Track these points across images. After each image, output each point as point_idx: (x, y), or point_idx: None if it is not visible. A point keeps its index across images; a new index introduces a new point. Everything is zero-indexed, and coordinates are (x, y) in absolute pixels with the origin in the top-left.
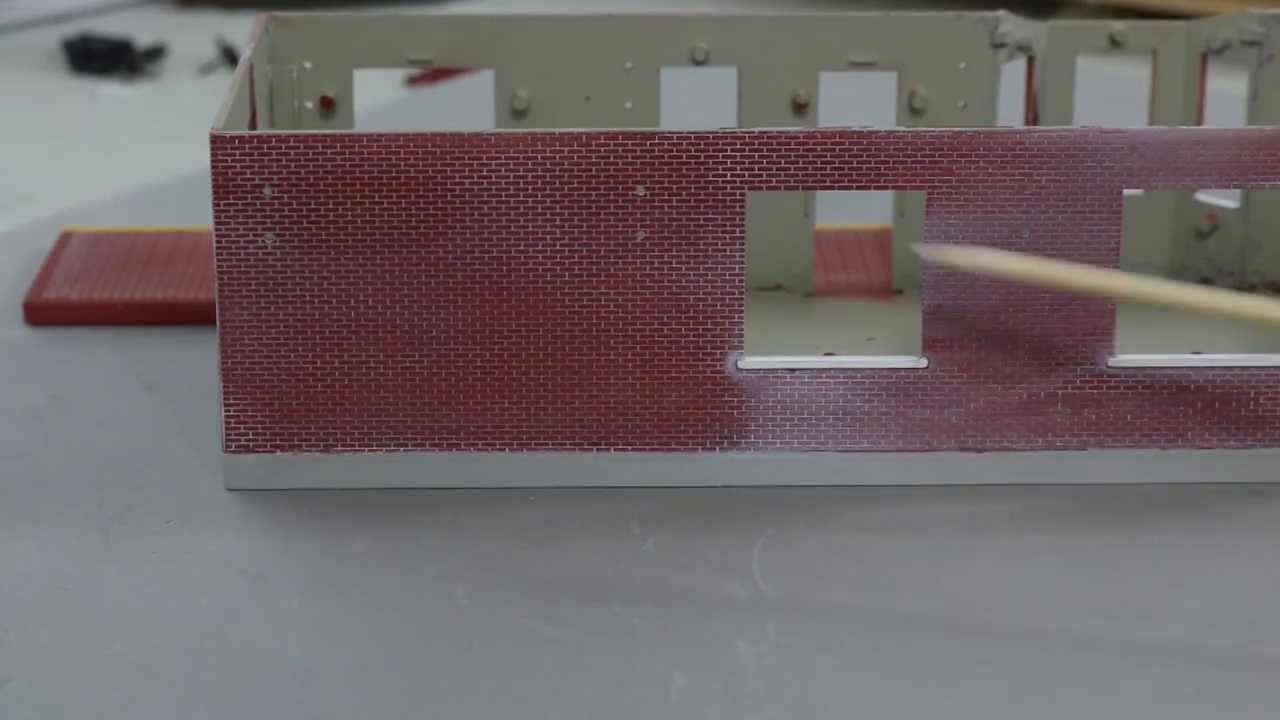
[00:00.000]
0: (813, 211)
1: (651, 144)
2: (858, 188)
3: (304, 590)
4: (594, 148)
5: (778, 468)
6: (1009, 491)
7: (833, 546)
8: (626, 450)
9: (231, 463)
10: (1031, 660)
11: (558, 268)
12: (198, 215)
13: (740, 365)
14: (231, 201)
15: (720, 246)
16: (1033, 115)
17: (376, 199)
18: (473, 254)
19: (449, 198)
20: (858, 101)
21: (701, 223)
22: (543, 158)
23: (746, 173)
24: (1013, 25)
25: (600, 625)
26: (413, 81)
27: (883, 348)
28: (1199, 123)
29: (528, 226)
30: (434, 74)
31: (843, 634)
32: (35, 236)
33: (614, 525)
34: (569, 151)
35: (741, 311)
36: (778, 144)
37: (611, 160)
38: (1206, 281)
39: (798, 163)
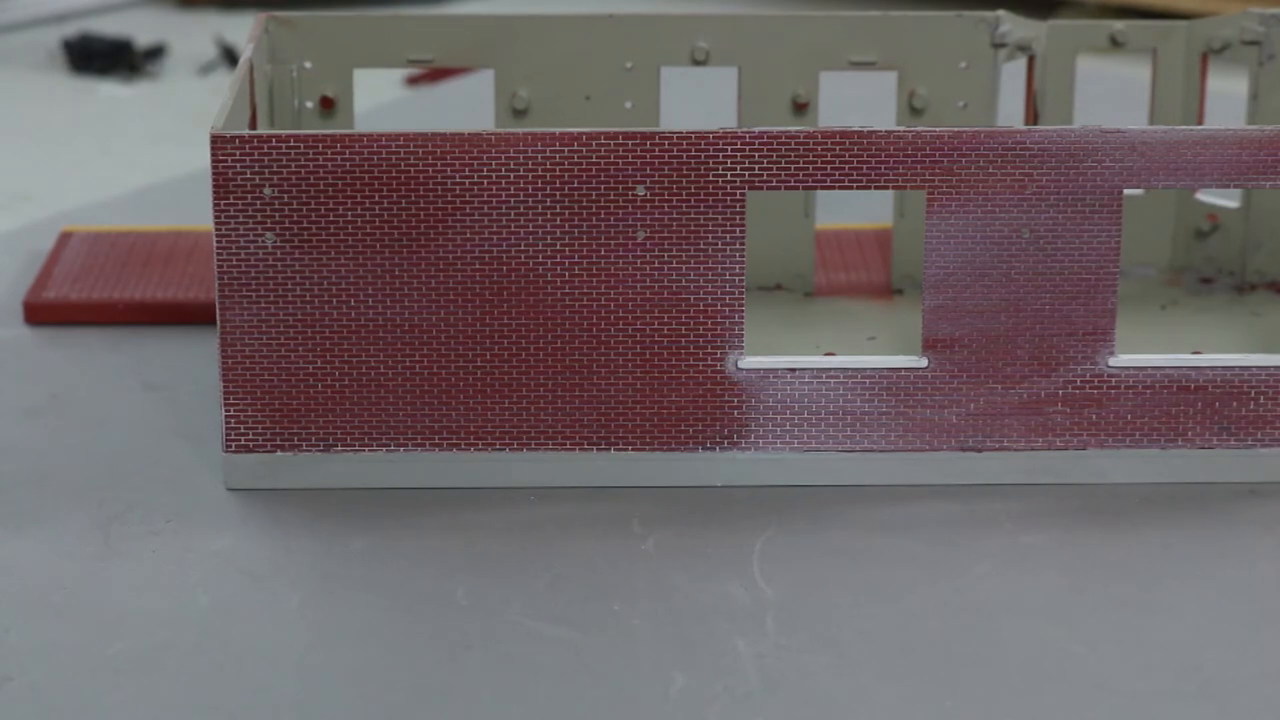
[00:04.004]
0: (813, 211)
1: (651, 144)
2: (858, 188)
3: (304, 590)
4: (594, 148)
5: (778, 468)
6: (1009, 491)
7: (833, 546)
8: (626, 450)
9: (231, 463)
10: (1031, 660)
11: (558, 268)
12: (198, 215)
13: (740, 365)
14: (231, 201)
15: (720, 246)
16: (1033, 115)
17: (376, 199)
18: (473, 254)
19: (449, 198)
20: (858, 101)
21: (701, 223)
22: (543, 158)
23: (746, 173)
24: (1013, 25)
25: (600, 625)
26: (413, 81)
27: (883, 348)
28: (1199, 122)
29: (528, 226)
30: (434, 74)
31: (843, 634)
32: (35, 236)
33: (614, 525)
34: (569, 151)
35: (741, 311)
36: (778, 144)
37: (611, 160)
38: (1207, 281)
39: (798, 163)
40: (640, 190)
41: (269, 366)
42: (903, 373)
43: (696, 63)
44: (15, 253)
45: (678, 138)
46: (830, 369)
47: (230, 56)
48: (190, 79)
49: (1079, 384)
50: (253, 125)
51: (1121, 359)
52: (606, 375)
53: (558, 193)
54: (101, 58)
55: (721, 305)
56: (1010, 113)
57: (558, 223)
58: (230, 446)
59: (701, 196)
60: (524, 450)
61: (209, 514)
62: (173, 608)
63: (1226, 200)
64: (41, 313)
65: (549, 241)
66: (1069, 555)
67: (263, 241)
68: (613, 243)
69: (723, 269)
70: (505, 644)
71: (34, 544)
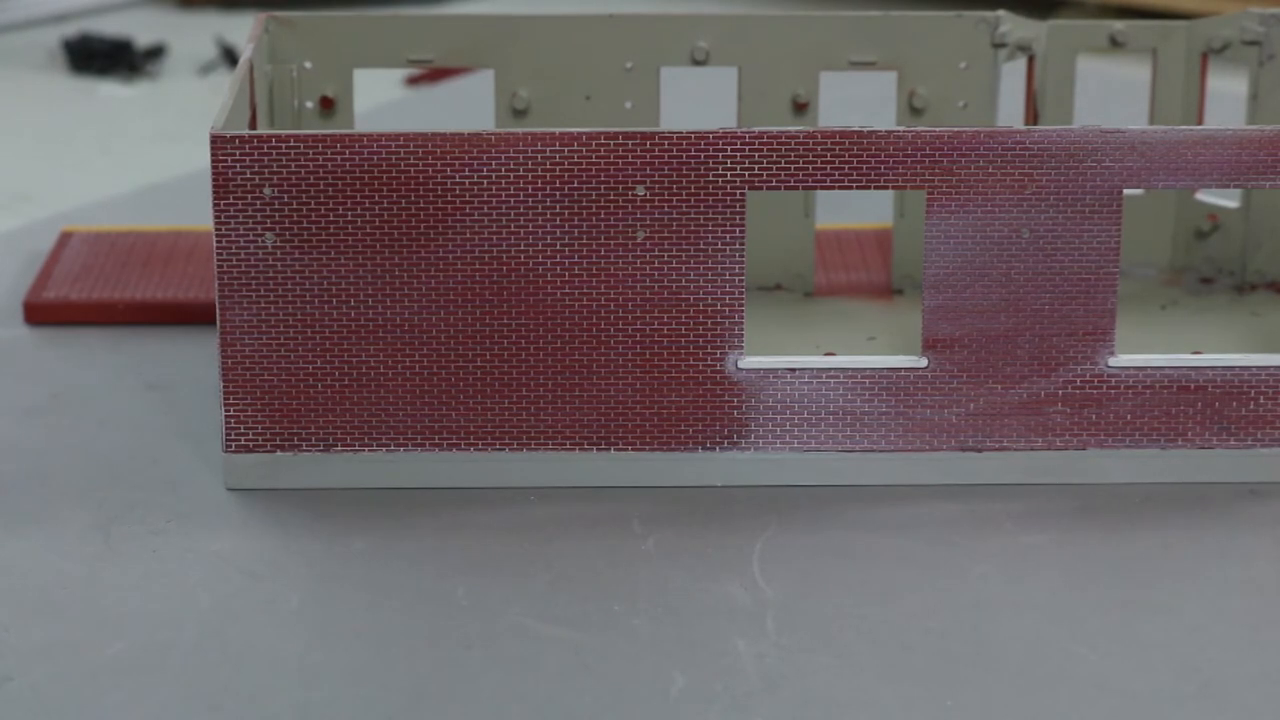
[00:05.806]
0: (813, 211)
1: (651, 144)
2: (858, 188)
3: (304, 590)
4: (594, 148)
5: (778, 468)
6: (1009, 491)
7: (833, 546)
8: (626, 450)
9: (231, 463)
10: (1031, 660)
11: (558, 268)
12: (198, 215)
13: (740, 365)
14: (231, 201)
15: (720, 246)
16: (1033, 115)
17: (376, 199)
18: (473, 254)
19: (449, 198)
20: (858, 101)
21: (701, 223)
22: (543, 158)
23: (746, 173)
24: (1013, 25)
25: (600, 625)
26: (413, 81)
27: (883, 348)
28: (1199, 122)
29: (528, 226)
30: (434, 74)
31: (843, 634)
32: (35, 236)
33: (614, 525)
34: (569, 151)
35: (741, 311)
36: (778, 144)
37: (611, 160)
38: (1207, 281)
39: (798, 163)
40: (640, 190)
41: (269, 366)
42: (903, 373)
43: (696, 63)
44: (15, 253)
45: (678, 138)
46: (830, 369)
47: (230, 56)
48: (190, 79)
49: (1079, 384)
50: (253, 125)
51: (1121, 359)
52: (606, 375)
53: (558, 193)
54: (101, 58)
55: (721, 305)
56: (1010, 113)
57: (558, 223)
58: (230, 446)
59: (701, 196)
60: (524, 450)
61: (209, 514)
62: (173, 608)
63: (1226, 200)
64: (41, 313)
65: (549, 241)
66: (1069, 555)
67: (263, 241)
68: (613, 243)
69: (723, 269)
70: (505, 644)
71: (34, 544)
